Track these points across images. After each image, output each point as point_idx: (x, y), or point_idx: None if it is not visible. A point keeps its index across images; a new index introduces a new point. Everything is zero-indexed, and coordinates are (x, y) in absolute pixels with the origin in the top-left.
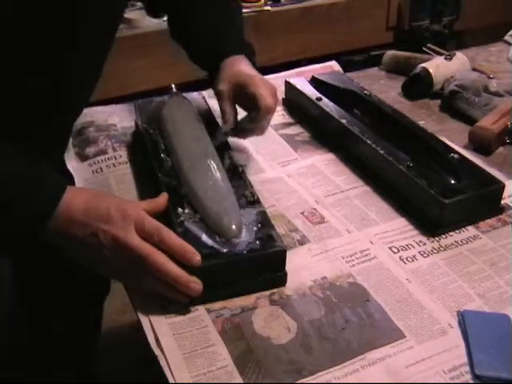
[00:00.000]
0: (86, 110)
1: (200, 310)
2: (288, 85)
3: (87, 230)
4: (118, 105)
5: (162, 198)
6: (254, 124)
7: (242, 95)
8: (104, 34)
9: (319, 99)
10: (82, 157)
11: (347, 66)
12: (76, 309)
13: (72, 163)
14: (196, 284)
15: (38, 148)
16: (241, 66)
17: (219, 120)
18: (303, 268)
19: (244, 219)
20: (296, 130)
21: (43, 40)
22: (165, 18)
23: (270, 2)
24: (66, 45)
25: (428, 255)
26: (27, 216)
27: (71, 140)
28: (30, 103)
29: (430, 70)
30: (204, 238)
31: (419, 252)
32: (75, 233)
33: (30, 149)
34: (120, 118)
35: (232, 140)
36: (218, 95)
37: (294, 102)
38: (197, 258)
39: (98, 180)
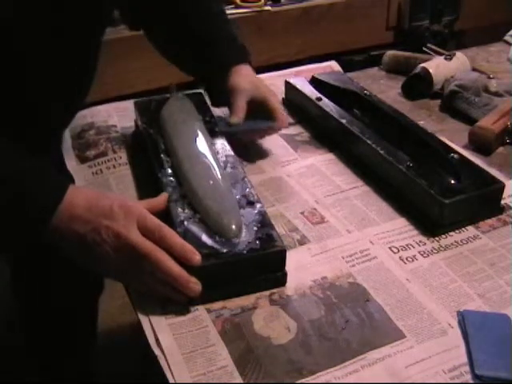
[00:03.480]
0: (85, 111)
1: (200, 310)
2: (288, 85)
3: (89, 226)
4: (117, 102)
5: (162, 197)
6: (268, 133)
7: (258, 104)
8: (95, 34)
9: (319, 99)
10: (82, 159)
11: (347, 66)
12: (70, 309)
13: (72, 165)
14: (195, 284)
15: (32, 147)
16: (251, 74)
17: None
18: (303, 268)
19: (244, 219)
20: (296, 130)
21: (41, 40)
22: None
23: (269, 2)
24: (63, 44)
25: (428, 255)
26: (29, 214)
27: (71, 142)
28: (27, 103)
29: (430, 70)
30: (204, 238)
31: (419, 252)
32: (77, 229)
33: (26, 147)
34: (120, 117)
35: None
36: (236, 91)
37: (294, 101)
38: (197, 257)
39: (98, 181)
